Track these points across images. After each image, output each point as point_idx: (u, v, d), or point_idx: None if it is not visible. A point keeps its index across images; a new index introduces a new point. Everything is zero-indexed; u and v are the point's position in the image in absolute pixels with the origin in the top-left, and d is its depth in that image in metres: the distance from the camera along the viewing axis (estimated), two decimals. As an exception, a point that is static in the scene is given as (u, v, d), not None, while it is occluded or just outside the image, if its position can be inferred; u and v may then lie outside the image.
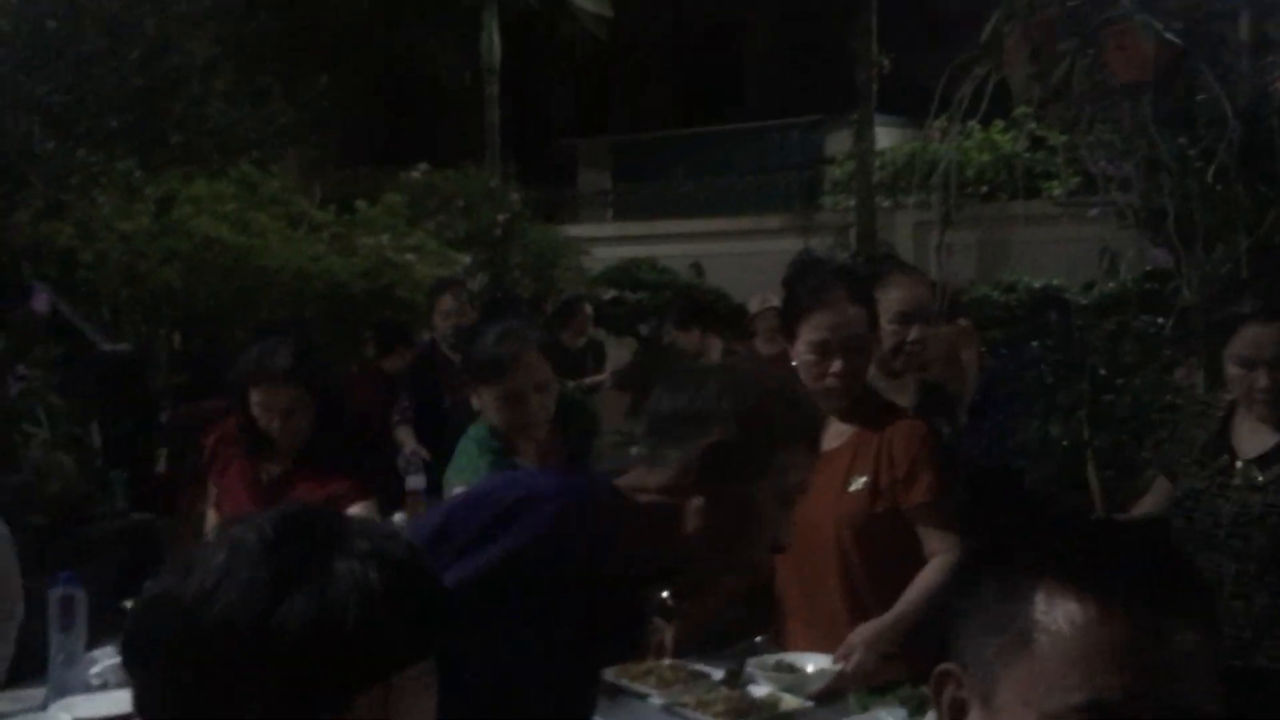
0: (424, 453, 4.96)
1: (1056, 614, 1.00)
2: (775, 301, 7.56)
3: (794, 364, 2.78)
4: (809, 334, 2.69)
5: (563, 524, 1.66)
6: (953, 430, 3.21)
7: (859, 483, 2.67)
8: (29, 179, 5.49)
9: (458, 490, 2.82)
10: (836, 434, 2.71)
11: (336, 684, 0.90)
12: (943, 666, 1.10)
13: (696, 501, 1.73)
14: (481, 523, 1.67)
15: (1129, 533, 1.13)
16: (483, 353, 2.86)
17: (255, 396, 3.13)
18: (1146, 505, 3.02)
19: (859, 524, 2.65)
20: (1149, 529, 1.08)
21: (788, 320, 2.80)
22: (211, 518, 3.47)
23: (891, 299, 3.11)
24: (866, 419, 2.73)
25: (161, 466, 6.79)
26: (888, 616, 2.58)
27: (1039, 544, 1.08)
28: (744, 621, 2.96)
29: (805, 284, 2.77)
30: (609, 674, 2.60)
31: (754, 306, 7.27)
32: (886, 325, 3.04)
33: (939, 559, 2.63)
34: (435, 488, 4.65)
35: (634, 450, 6.71)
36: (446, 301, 6.03)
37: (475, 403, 2.93)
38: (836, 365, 2.66)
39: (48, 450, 5.29)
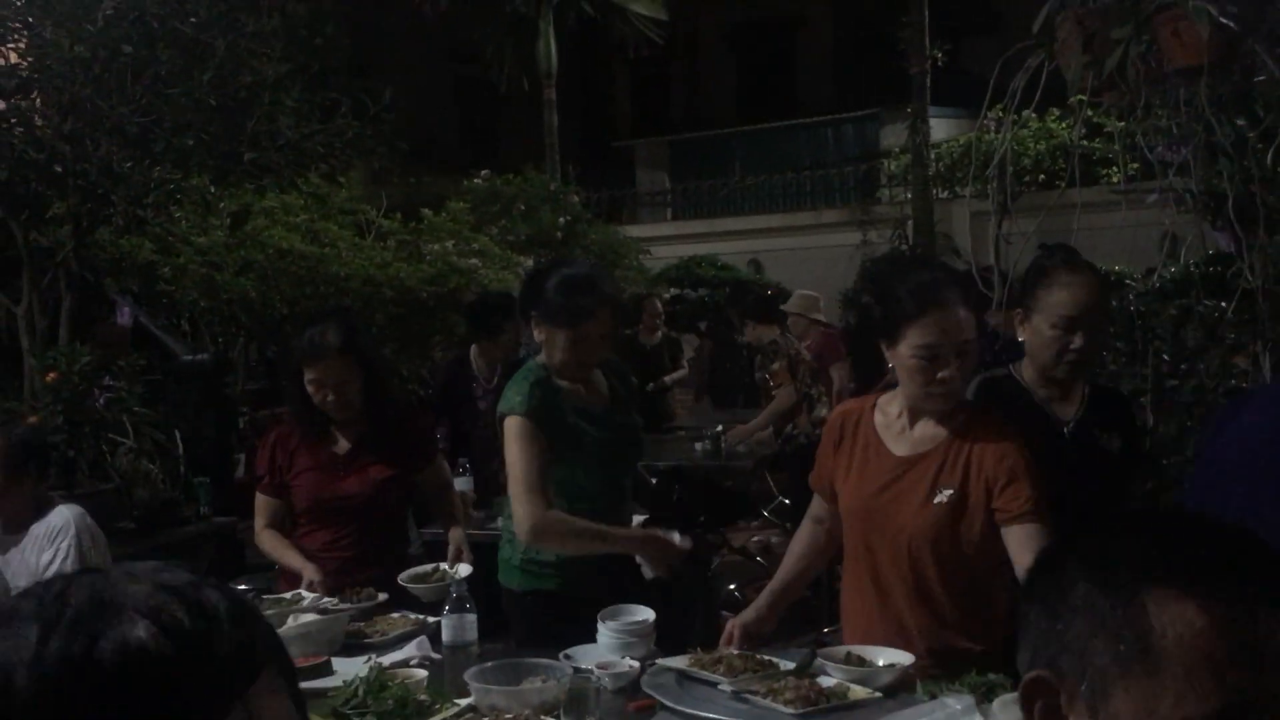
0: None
1: (1175, 621, 0.96)
2: (813, 296, 7.75)
3: (891, 367, 2.66)
4: (915, 338, 2.54)
5: None
6: (1125, 443, 2.91)
7: (944, 494, 2.59)
8: (111, 198, 5.67)
9: (509, 420, 3.06)
10: (928, 438, 2.65)
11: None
12: (1035, 674, 1.04)
13: None
14: None
15: (1224, 529, 1.06)
16: (559, 301, 3.07)
17: (309, 374, 3.43)
18: None
19: (937, 536, 2.59)
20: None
21: (888, 322, 2.61)
22: (267, 538, 3.58)
23: (1054, 300, 2.79)
24: (959, 425, 2.62)
25: (240, 472, 6.98)
26: None
27: (1139, 547, 1.02)
28: (811, 611, 3.02)
29: (910, 284, 2.59)
30: (679, 662, 2.68)
31: (792, 304, 7.48)
32: (1047, 330, 2.80)
33: None
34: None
35: (698, 447, 6.68)
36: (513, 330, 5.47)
37: (537, 335, 3.15)
38: (946, 372, 2.53)
39: (134, 459, 5.48)
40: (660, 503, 3.36)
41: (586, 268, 3.28)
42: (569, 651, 2.79)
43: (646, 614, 2.86)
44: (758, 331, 7.07)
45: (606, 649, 2.78)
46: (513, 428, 3.06)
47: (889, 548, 2.65)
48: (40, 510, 3.71)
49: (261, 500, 3.61)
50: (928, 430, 2.65)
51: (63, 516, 3.70)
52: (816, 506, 2.93)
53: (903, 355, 2.58)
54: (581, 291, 3.07)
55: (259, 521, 3.61)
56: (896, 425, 2.69)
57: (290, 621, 3.00)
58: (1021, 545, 2.51)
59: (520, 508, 3.05)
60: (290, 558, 3.48)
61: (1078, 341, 2.78)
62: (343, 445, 3.55)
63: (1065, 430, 2.88)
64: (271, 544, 3.56)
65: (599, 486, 3.16)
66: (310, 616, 3.05)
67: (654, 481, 3.41)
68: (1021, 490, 2.53)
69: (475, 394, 5.52)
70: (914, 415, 2.67)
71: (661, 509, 3.34)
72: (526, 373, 3.16)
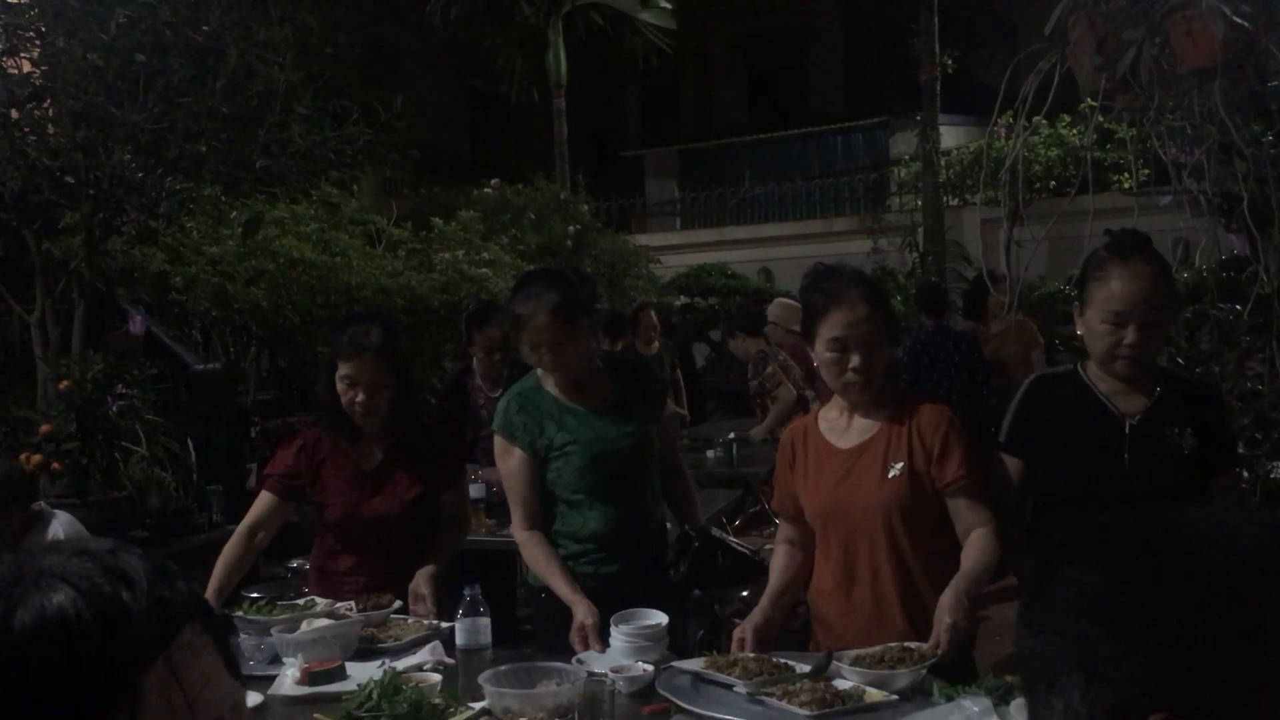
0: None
1: None
2: (794, 305, 7.80)
3: (816, 365, 2.90)
4: (827, 332, 2.80)
5: None
6: (1199, 442, 2.78)
7: (897, 468, 2.80)
8: (124, 207, 5.68)
9: (494, 435, 3.28)
10: (867, 426, 2.88)
11: (102, 680, 0.84)
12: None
13: None
14: None
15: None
16: (511, 308, 3.24)
17: (344, 370, 3.35)
18: None
19: (904, 506, 2.78)
20: None
21: (808, 323, 2.88)
22: (230, 548, 3.36)
23: (1103, 294, 2.73)
24: (893, 409, 2.86)
25: (252, 481, 6.98)
26: (959, 586, 2.64)
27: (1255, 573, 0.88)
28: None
29: (820, 288, 2.85)
30: (694, 665, 2.67)
31: (773, 312, 7.60)
32: (1098, 325, 2.75)
33: (982, 530, 2.75)
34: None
35: (710, 454, 6.73)
36: (493, 332, 5.38)
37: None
38: (854, 360, 2.77)
39: (147, 467, 5.49)
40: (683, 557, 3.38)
41: (538, 272, 3.36)
42: (581, 655, 2.79)
43: (659, 618, 2.86)
44: (745, 344, 7.40)
45: (619, 653, 2.78)
46: (494, 444, 3.33)
47: (862, 530, 2.82)
48: (30, 528, 3.79)
49: (263, 497, 3.45)
50: (867, 420, 2.88)
51: (51, 528, 3.80)
52: (784, 529, 3.06)
53: (820, 352, 2.84)
54: (519, 296, 3.21)
55: (246, 519, 3.43)
56: (840, 424, 2.92)
57: (304, 626, 2.99)
58: (960, 510, 2.79)
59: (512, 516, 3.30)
60: (217, 583, 3.28)
61: (1130, 336, 2.70)
62: (372, 460, 3.47)
63: (1129, 425, 2.78)
64: (223, 559, 3.34)
65: (590, 484, 3.21)
66: (323, 622, 3.04)
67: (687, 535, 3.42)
68: (951, 462, 2.77)
69: (478, 402, 5.50)
70: (851, 411, 2.90)
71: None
72: (517, 385, 3.35)
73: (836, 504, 2.86)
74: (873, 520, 2.81)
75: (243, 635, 3.10)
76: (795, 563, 3.02)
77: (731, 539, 3.40)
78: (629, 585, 3.20)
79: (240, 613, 3.20)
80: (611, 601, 3.03)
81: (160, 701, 0.86)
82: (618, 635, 2.80)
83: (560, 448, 3.20)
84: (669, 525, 3.48)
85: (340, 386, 3.38)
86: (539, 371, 3.29)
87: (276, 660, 2.92)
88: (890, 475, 2.80)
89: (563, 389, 3.26)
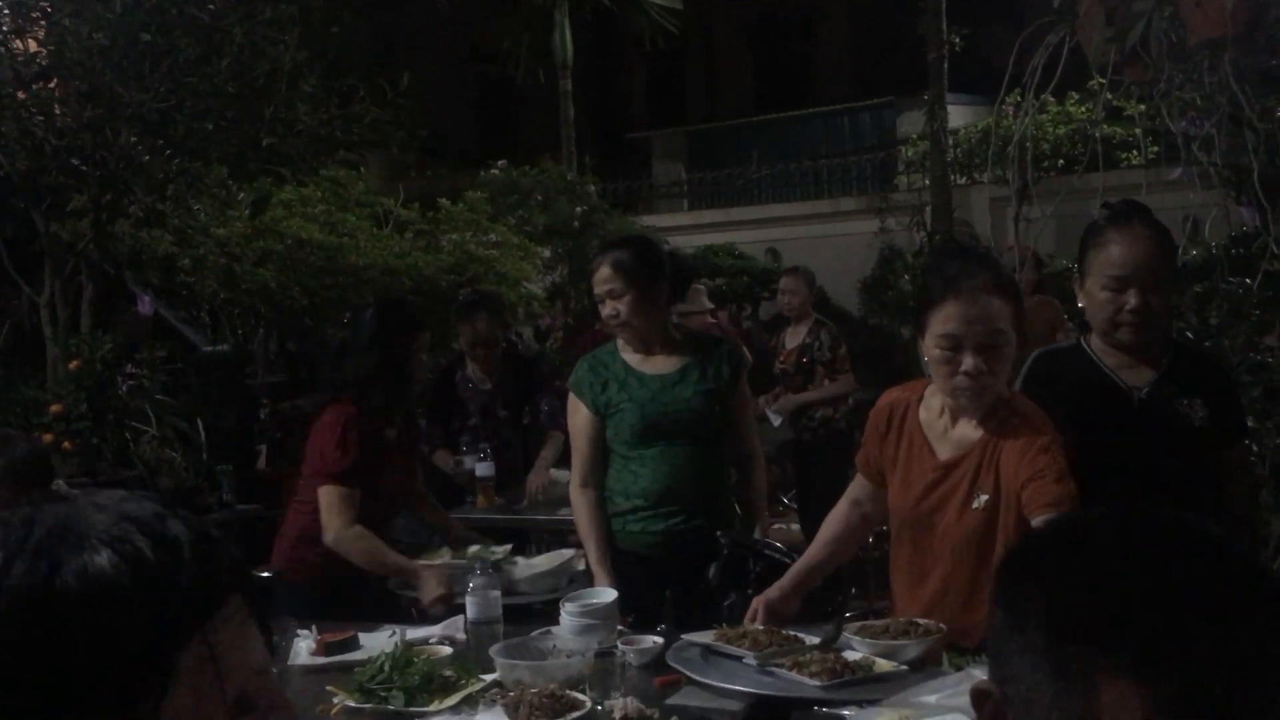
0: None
1: (1117, 706, 0.89)
2: (697, 288, 7.73)
3: (924, 361, 2.58)
4: (938, 326, 2.47)
5: None
6: (1213, 411, 2.73)
7: (981, 500, 2.53)
8: (132, 188, 5.69)
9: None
10: (967, 438, 2.58)
11: (141, 651, 0.83)
12: (983, 685, 1.00)
13: None
14: None
15: (1211, 603, 0.92)
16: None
17: (422, 346, 3.68)
18: None
19: (982, 538, 2.53)
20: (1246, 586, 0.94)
21: (920, 312, 2.56)
22: (367, 540, 3.34)
23: (1102, 260, 2.66)
24: (996, 427, 2.54)
25: (262, 462, 6.99)
26: None
27: (1097, 612, 0.92)
28: (838, 596, 3.00)
29: (939, 271, 2.54)
30: (705, 637, 2.68)
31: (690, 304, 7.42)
32: (1099, 293, 2.68)
33: None
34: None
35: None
36: (467, 330, 5.38)
37: None
38: (968, 362, 2.43)
39: (157, 447, 5.52)
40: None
41: (620, 252, 3.52)
42: (549, 629, 2.81)
43: (608, 595, 2.86)
44: (800, 299, 7.17)
45: (567, 630, 2.76)
46: (568, 401, 3.54)
47: (938, 551, 2.63)
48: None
49: (346, 493, 3.34)
50: (966, 431, 2.58)
51: None
52: (857, 489, 2.88)
53: (929, 346, 2.51)
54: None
55: (345, 517, 3.32)
56: (939, 425, 2.62)
57: (520, 563, 3.37)
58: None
59: None
60: (405, 563, 3.34)
61: (1132, 301, 2.62)
62: (392, 430, 3.60)
63: (1136, 398, 2.72)
64: (375, 547, 3.33)
65: (642, 442, 3.39)
66: (545, 560, 3.38)
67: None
68: (1043, 489, 2.42)
69: (465, 392, 5.47)
70: (954, 414, 2.59)
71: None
72: (595, 350, 3.56)
73: (917, 519, 2.65)
74: (951, 546, 2.59)
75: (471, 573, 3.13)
76: (848, 530, 2.87)
77: (766, 543, 3.18)
78: (675, 549, 3.31)
79: (430, 560, 3.40)
80: (656, 563, 3.27)
81: (195, 672, 0.86)
82: (565, 615, 2.79)
83: (618, 405, 3.39)
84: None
85: (421, 361, 3.68)
86: (620, 341, 3.50)
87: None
88: (974, 506, 2.54)
89: (633, 356, 3.46)
